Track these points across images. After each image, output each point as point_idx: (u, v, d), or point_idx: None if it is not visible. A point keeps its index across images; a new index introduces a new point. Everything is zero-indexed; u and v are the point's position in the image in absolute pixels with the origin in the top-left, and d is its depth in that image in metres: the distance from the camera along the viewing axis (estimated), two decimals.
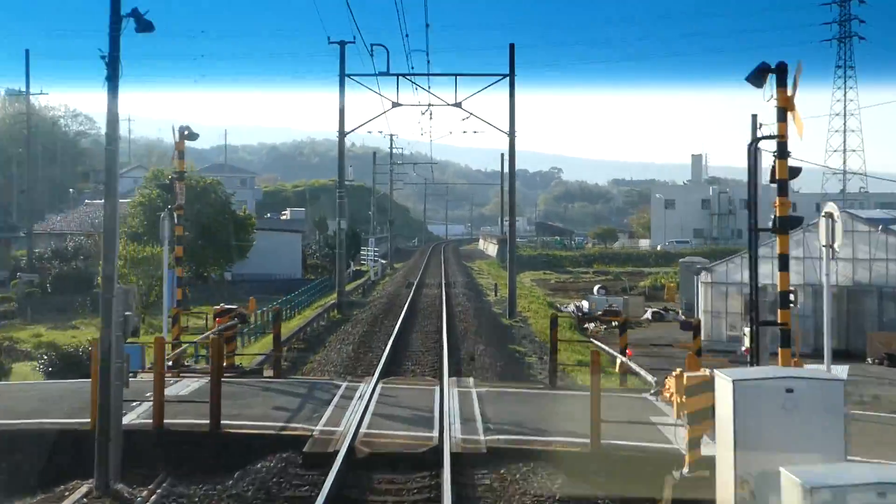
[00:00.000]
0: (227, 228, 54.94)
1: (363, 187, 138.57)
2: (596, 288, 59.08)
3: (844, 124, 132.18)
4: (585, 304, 55.35)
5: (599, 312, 49.87)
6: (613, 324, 48.42)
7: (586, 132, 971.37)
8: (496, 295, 50.10)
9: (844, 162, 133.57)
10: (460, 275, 62.31)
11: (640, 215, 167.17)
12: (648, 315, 50.39)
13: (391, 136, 73.67)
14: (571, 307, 56.46)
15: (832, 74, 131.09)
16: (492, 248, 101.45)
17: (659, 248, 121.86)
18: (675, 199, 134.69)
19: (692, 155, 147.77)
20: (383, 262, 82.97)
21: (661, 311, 50.80)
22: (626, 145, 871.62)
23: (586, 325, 46.35)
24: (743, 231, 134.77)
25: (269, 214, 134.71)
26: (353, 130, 42.81)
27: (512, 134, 40.89)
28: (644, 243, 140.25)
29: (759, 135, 16.08)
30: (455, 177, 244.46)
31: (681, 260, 55.87)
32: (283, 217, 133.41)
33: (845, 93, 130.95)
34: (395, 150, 77.17)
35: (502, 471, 12.92)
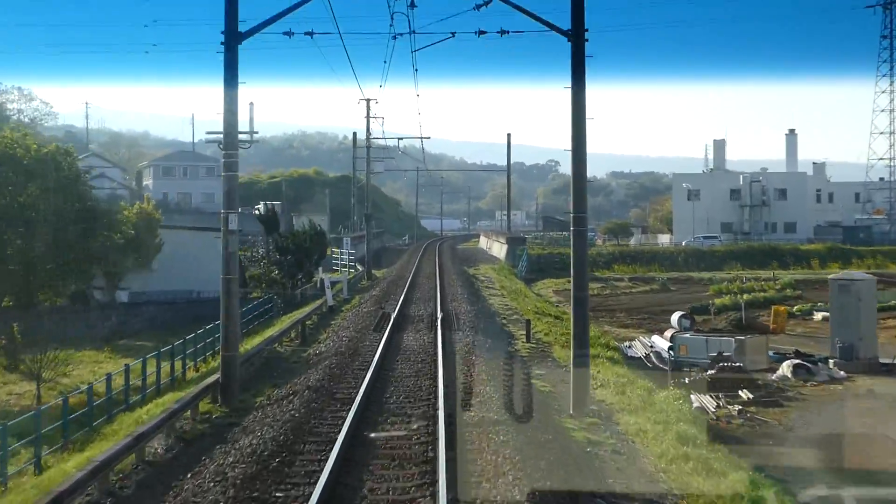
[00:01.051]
0: (78, 225, 32.45)
1: (349, 178, 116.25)
2: (677, 317, 36.62)
3: (891, 102, 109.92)
4: (660, 343, 33.27)
5: (711, 371, 27.56)
6: (747, 397, 26.41)
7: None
8: (529, 340, 27.77)
9: (892, 146, 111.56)
10: (463, 294, 39.69)
11: (653, 208, 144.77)
12: (785, 370, 28.19)
13: (368, 101, 51.52)
14: (638, 348, 34.28)
15: (877, 45, 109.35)
16: (498, 249, 78.78)
17: (684, 244, 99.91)
18: (699, 189, 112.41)
19: (714, 140, 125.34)
20: (360, 268, 60.61)
21: (806, 363, 28.53)
22: (621, 139, 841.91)
23: (694, 399, 24.26)
24: (778, 225, 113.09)
25: (240, 209, 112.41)
26: (258, 29, 20.48)
27: (579, 32, 18.59)
28: (664, 239, 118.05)
29: None
30: (450, 168, 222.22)
31: (831, 277, 33.27)
32: (256, 211, 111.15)
33: (892, 65, 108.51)
34: (380, 138, 54.71)
35: None
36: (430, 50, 21.91)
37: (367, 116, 51.90)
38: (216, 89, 24.56)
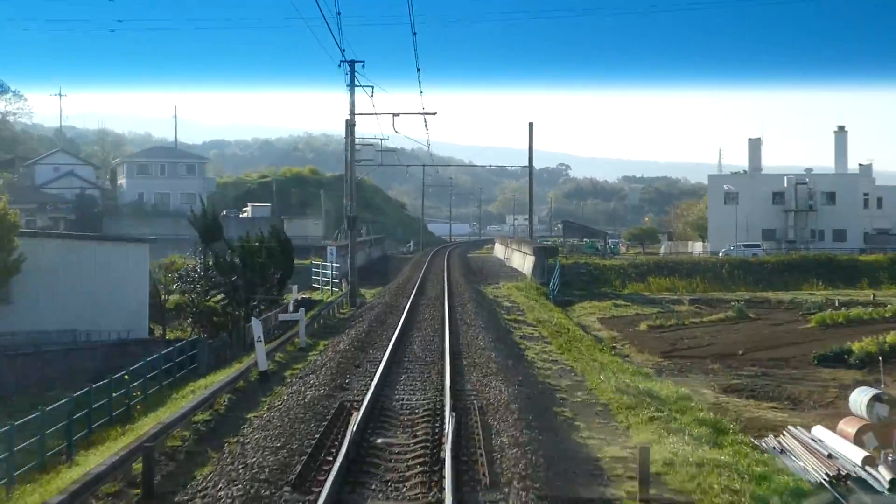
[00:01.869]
0: None
1: (360, 181, 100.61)
2: (861, 399, 20.67)
3: None
4: (837, 444, 17.68)
5: None
6: None
7: (589, 130, 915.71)
8: (647, 490, 11.92)
9: None
10: (487, 343, 23.70)
11: (677, 213, 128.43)
12: None
13: (352, 62, 35.76)
14: (795, 451, 18.48)
15: None
16: (519, 260, 62.48)
17: (722, 254, 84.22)
18: (737, 192, 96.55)
19: (749, 139, 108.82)
20: (345, 286, 44.88)
21: None
22: (630, 144, 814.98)
23: None
24: (826, 232, 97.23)
25: (224, 211, 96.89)
26: None
27: None
28: (697, 247, 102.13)
29: None
30: (458, 173, 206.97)
31: None
32: (244, 214, 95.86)
33: None
34: (370, 113, 38.58)
35: None
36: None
37: (351, 85, 36.19)
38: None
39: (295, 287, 44.28)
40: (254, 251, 32.92)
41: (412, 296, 37.95)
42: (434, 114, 38.79)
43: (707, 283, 69.46)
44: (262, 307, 35.60)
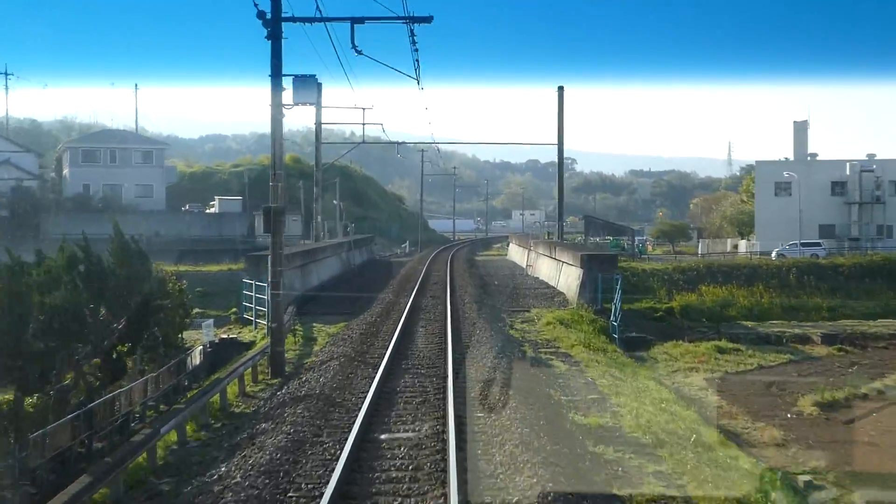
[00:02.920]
0: None
1: (335, 167, 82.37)
2: None
3: None
4: None
5: None
6: None
7: (593, 125, 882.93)
8: None
9: None
10: None
11: (703, 206, 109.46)
12: None
13: None
14: None
15: None
16: (551, 270, 43.16)
17: (775, 254, 66.03)
18: (789, 181, 77.70)
19: (794, 122, 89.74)
20: (288, 320, 26.32)
21: None
22: (635, 139, 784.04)
23: None
24: (894, 228, 78.96)
25: (188, 205, 78.58)
26: None
27: None
28: (740, 246, 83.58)
29: None
30: (461, 167, 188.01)
31: None
32: (211, 209, 77.39)
33: None
34: (325, 18, 20.23)
35: None
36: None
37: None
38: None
39: (209, 322, 26.09)
40: (32, 285, 14.36)
41: (389, 350, 19.51)
42: (429, 19, 20.25)
43: (772, 293, 51.36)
44: (82, 384, 17.20)
